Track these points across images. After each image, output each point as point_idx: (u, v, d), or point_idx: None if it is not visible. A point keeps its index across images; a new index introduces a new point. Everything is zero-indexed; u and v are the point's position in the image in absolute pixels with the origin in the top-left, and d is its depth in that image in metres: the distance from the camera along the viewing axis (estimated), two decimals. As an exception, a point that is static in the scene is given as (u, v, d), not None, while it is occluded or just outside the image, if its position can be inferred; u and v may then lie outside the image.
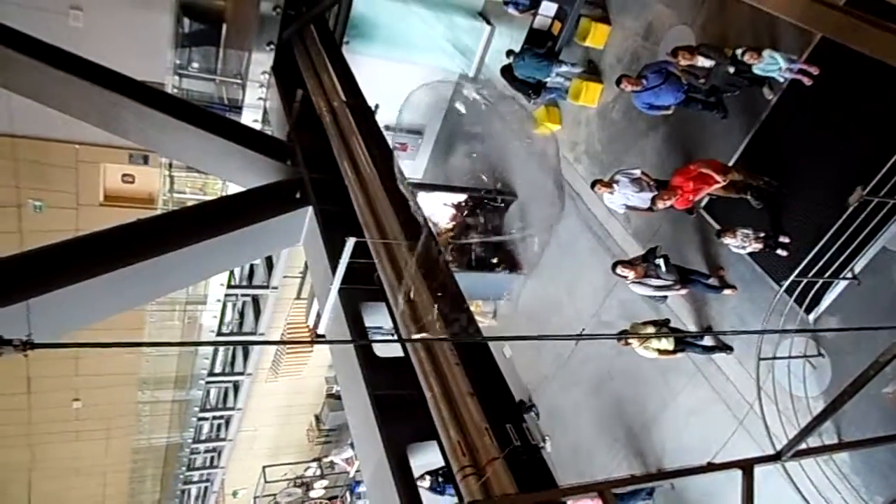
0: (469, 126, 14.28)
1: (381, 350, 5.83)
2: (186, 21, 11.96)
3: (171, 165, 13.37)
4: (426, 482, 7.36)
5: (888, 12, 6.25)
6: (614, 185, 7.75)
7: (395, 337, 6.02)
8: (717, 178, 7.27)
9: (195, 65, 12.55)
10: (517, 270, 12.25)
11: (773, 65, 6.96)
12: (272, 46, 10.11)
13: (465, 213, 13.16)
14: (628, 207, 8.01)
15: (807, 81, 7.03)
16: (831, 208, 6.51)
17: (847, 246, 6.36)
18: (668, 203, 7.41)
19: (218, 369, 17.49)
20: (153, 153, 13.50)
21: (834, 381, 6.92)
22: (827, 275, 6.60)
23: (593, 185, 8.00)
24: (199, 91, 12.63)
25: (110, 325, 7.30)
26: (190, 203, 12.90)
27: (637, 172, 7.83)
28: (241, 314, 17.08)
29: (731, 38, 8.11)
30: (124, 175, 14.96)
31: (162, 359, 15.66)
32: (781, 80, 7.18)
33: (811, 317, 7.14)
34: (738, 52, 7.11)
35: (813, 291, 6.81)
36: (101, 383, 16.71)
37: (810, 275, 6.56)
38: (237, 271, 15.67)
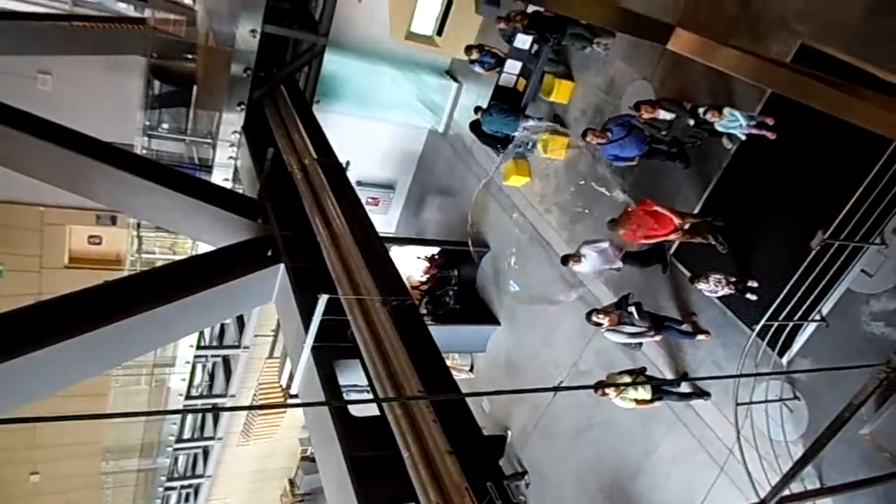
0: (440, 179, 14.49)
1: (357, 409, 5.68)
2: (157, 83, 12.07)
3: (139, 226, 13.22)
4: None
5: (832, 66, 6.59)
6: (582, 259, 8.08)
7: (371, 396, 5.89)
8: (675, 219, 7.52)
9: (165, 125, 12.60)
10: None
11: (733, 122, 7.23)
12: (243, 107, 10.21)
13: (439, 265, 13.19)
14: (598, 271, 8.35)
15: (770, 136, 7.26)
16: (796, 252, 6.66)
17: (813, 289, 6.49)
18: (621, 230, 7.68)
19: (187, 434, 16.87)
20: (121, 214, 13.35)
21: (811, 424, 6.93)
22: (796, 317, 6.71)
23: (564, 261, 8.33)
24: (169, 151, 12.65)
25: (72, 392, 7.00)
26: (159, 263, 12.69)
27: (604, 245, 8.17)
28: (212, 375, 16.65)
29: (688, 91, 8.45)
30: (91, 236, 14.74)
31: (127, 426, 15.08)
32: (742, 136, 7.42)
33: (784, 359, 7.21)
34: (700, 110, 7.39)
35: (784, 334, 6.89)
36: (62, 454, 15.96)
37: (780, 318, 6.65)
38: (207, 331, 15.34)
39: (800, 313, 6.67)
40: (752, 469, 6.50)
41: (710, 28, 8.20)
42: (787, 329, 6.82)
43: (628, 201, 8.56)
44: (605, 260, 8.09)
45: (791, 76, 2.75)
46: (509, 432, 10.96)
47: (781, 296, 6.58)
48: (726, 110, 7.21)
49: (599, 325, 7.77)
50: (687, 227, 7.70)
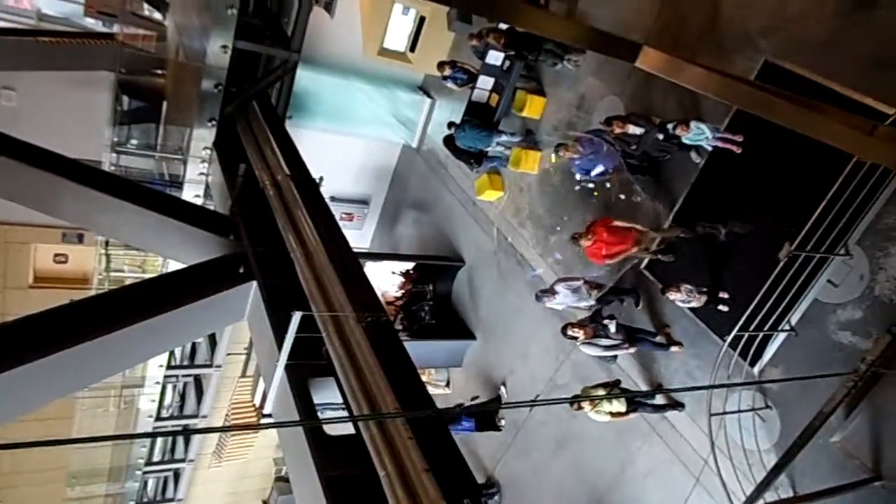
0: (414, 194, 14.49)
1: (332, 428, 5.60)
2: (125, 99, 11.90)
3: (107, 243, 12.95)
4: None
5: (795, 82, 6.78)
6: (555, 296, 8.20)
7: (346, 414, 5.81)
8: (637, 227, 7.79)
9: (134, 141, 12.42)
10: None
11: (700, 134, 7.40)
12: (214, 123, 10.12)
13: (414, 280, 13.15)
14: (570, 306, 8.47)
15: (736, 150, 7.43)
16: (765, 264, 6.78)
17: (782, 299, 6.60)
18: (586, 244, 7.74)
19: (157, 457, 16.44)
20: (89, 232, 13.07)
21: (783, 433, 7.03)
22: (766, 328, 6.82)
23: (537, 297, 8.46)
24: (138, 168, 12.44)
25: (35, 415, 6.80)
26: (129, 282, 12.43)
27: (578, 283, 8.28)
28: (183, 396, 16.29)
29: (657, 106, 8.61)
30: (56, 255, 14.40)
31: (94, 450, 14.64)
32: (709, 147, 7.59)
33: (755, 369, 7.31)
34: (670, 126, 7.54)
35: (755, 344, 7.00)
36: (24, 481, 15.43)
37: (751, 328, 6.76)
38: (178, 350, 15.03)
39: (770, 323, 6.78)
40: (727, 479, 6.56)
41: (677, 45, 8.39)
42: (758, 339, 6.93)
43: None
44: (579, 297, 8.24)
45: (755, 94, 2.82)
46: (503, 388, 10.88)
47: (752, 306, 6.69)
48: (692, 124, 7.37)
49: (575, 338, 7.81)
50: (653, 237, 7.88)
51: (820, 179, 6.29)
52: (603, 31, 2.75)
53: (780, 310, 6.68)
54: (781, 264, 6.35)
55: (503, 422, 10.82)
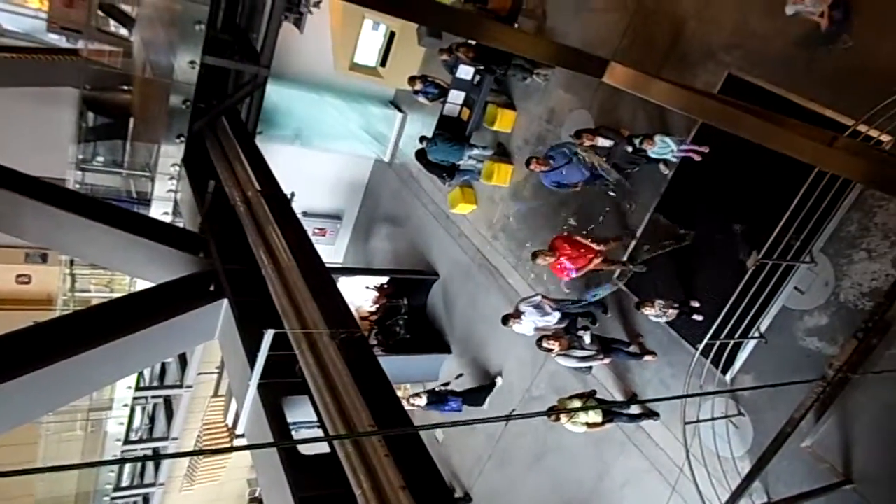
0: (387, 208, 14.46)
1: (306, 447, 5.50)
2: (91, 115, 11.67)
3: (72, 263, 12.63)
4: None
5: (758, 95, 6.95)
6: (521, 317, 8.18)
7: (320, 432, 5.72)
8: (593, 247, 7.90)
9: (100, 158, 12.18)
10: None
11: (665, 147, 7.56)
12: (182, 139, 9.97)
13: (388, 295, 13.08)
14: (537, 329, 8.39)
15: (696, 158, 7.62)
16: (734, 273, 6.90)
17: (751, 307, 6.72)
18: (548, 260, 7.90)
19: (126, 482, 15.97)
20: (53, 251, 12.75)
21: (756, 439, 7.12)
22: (737, 335, 6.92)
23: (504, 320, 8.36)
24: (104, 185, 12.20)
25: (0, 440, 6.56)
26: (95, 302, 12.13)
27: (538, 299, 8.33)
28: (152, 418, 15.88)
29: (626, 118, 8.76)
30: (19, 275, 14.01)
31: (60, 476, 14.17)
32: (675, 159, 7.75)
33: (728, 377, 7.41)
34: (637, 140, 7.69)
35: (726, 352, 7.10)
36: (-12, 511, 14.86)
37: (722, 336, 6.85)
38: (147, 371, 14.68)
39: (740, 331, 6.89)
40: (703, 487, 6.61)
41: (644, 60, 8.55)
42: (729, 347, 7.03)
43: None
44: (542, 314, 8.25)
45: (719, 108, 2.88)
46: (499, 379, 10.83)
47: (722, 315, 6.79)
48: (657, 137, 7.52)
49: (550, 350, 7.83)
50: (605, 248, 8.13)
51: (784, 189, 6.43)
52: (570, 48, 2.79)
53: (749, 317, 6.79)
54: (750, 273, 6.46)
55: (490, 395, 10.74)
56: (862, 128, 5.71)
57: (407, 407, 8.95)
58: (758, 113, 2.82)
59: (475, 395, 10.53)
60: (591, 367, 8.44)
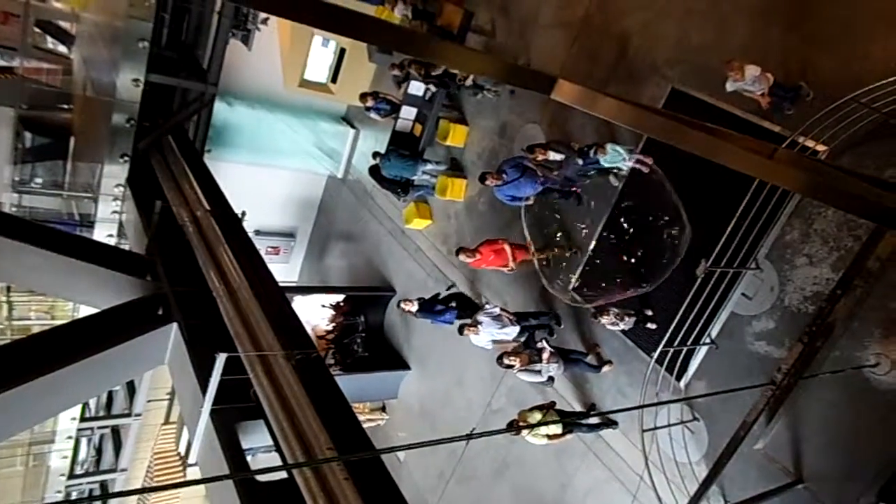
0: (342, 225, 14.33)
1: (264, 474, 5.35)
2: (28, 135, 11.22)
3: (9, 289, 12.06)
4: None
5: (701, 107, 7.17)
6: (479, 326, 8.18)
7: (278, 456, 5.57)
8: (510, 256, 8.64)
9: (39, 180, 11.73)
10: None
11: (616, 156, 7.69)
12: (126, 158, 9.69)
13: (345, 313, 12.93)
14: (495, 342, 8.43)
15: (644, 170, 7.78)
16: (685, 281, 7.07)
17: (702, 314, 6.89)
18: (470, 259, 8.58)
19: (72, 517, 15.20)
20: (-12, 278, 12.13)
21: (711, 443, 7.27)
22: (689, 342, 7.08)
23: (460, 329, 8.36)
24: (44, 208, 11.75)
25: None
26: (36, 330, 11.59)
27: (496, 310, 8.37)
28: (99, 449, 15.22)
29: (576, 132, 8.92)
30: (-49, 305, 13.24)
31: (0, 514, 13.42)
32: (625, 168, 7.91)
33: (682, 383, 7.56)
34: (589, 151, 7.83)
35: (680, 359, 7.25)
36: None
37: (675, 344, 7.00)
38: (92, 401, 14.07)
39: (692, 338, 7.05)
40: (662, 493, 6.70)
41: (590, 75, 8.74)
42: (682, 354, 7.18)
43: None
44: (501, 325, 8.27)
45: (665, 123, 2.95)
46: (484, 299, 10.58)
47: (674, 323, 6.93)
48: (609, 146, 7.65)
49: (511, 366, 7.81)
50: (518, 261, 8.73)
51: (730, 198, 6.64)
52: (517, 65, 2.82)
53: (700, 324, 6.96)
54: (699, 280, 6.63)
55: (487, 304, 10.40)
56: (799, 138, 5.96)
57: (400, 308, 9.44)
58: (702, 127, 2.91)
59: (468, 309, 9.94)
60: (552, 379, 8.46)
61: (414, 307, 9.37)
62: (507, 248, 8.72)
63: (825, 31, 6.47)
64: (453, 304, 9.75)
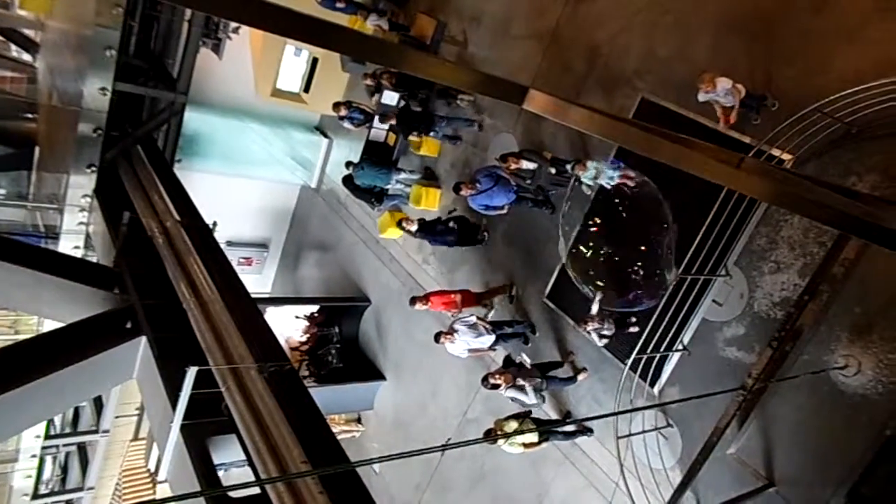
0: (315, 235, 14.21)
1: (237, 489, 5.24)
2: (-10, 146, 10.96)
3: (-29, 304, 11.68)
4: None
5: (669, 118, 7.29)
6: (455, 334, 8.20)
7: (251, 471, 5.47)
8: (456, 301, 8.99)
9: (2, 191, 11.47)
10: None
11: (599, 174, 7.58)
12: (93, 169, 9.49)
13: (319, 324, 12.80)
14: (470, 351, 8.45)
15: (630, 183, 7.74)
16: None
17: (674, 321, 6.97)
18: (424, 307, 9.01)
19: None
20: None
21: (685, 449, 7.34)
22: (662, 349, 7.16)
23: (436, 337, 8.37)
24: (7, 220, 11.46)
25: None
26: (-3, 345, 11.23)
27: (472, 319, 8.40)
28: (65, 467, 14.79)
29: (548, 141, 9.00)
30: None
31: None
32: (608, 186, 7.84)
33: (655, 389, 7.63)
34: (566, 165, 7.86)
35: (653, 366, 7.32)
36: None
37: (648, 350, 7.07)
38: (58, 417, 13.68)
39: (665, 345, 7.13)
40: (638, 499, 6.73)
41: (562, 85, 8.83)
42: (655, 360, 7.25)
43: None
44: (477, 334, 8.28)
45: (635, 132, 2.99)
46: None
47: (647, 329, 7.01)
48: (590, 163, 7.52)
49: (498, 386, 7.74)
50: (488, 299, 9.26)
51: (700, 207, 6.75)
52: (490, 76, 2.82)
53: (673, 331, 7.04)
54: (671, 287, 6.71)
55: (486, 234, 10.07)
56: (765, 147, 6.09)
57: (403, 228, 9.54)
58: (672, 137, 2.95)
59: (469, 234, 9.88)
60: (544, 399, 8.37)
61: (414, 227, 9.38)
62: (457, 299, 9.06)
63: (787, 45, 6.64)
64: (454, 226, 9.62)
